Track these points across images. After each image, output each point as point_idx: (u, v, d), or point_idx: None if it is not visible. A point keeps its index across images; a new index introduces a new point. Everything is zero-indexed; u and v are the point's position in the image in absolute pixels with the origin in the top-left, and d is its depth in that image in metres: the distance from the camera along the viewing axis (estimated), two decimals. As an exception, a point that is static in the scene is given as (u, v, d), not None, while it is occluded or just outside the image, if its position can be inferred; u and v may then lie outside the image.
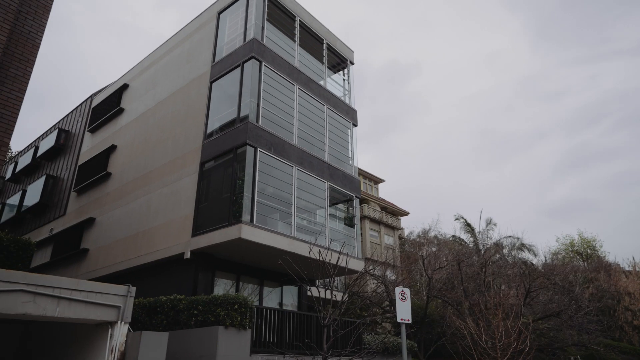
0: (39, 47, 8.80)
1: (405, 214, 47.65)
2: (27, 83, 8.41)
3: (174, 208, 13.40)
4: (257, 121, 12.81)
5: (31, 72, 8.54)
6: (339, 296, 19.99)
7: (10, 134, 7.88)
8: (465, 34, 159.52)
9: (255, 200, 11.84)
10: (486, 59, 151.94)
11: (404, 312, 8.15)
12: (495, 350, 9.78)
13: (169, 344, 9.82)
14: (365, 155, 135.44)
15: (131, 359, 8.20)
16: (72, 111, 23.41)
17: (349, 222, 15.56)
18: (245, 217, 11.44)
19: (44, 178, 21.44)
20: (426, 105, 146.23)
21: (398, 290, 8.24)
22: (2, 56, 7.92)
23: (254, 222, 11.59)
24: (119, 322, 8.32)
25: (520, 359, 9.81)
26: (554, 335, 18.41)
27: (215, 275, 12.62)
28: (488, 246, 31.11)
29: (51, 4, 9.24)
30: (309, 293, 16.05)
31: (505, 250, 33.23)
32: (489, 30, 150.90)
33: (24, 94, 8.23)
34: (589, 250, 48.80)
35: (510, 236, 32.75)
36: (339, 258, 10.85)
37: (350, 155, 16.47)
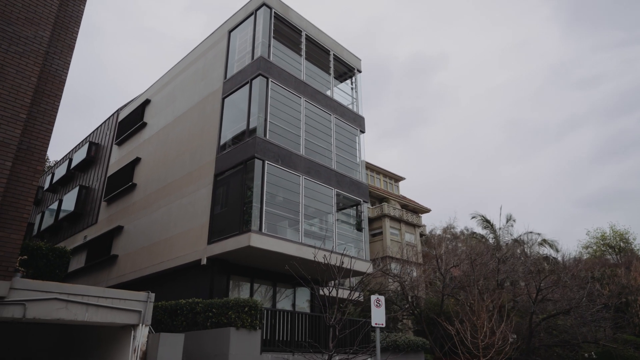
0: (64, 83, 9.94)
1: (427, 211, 47.79)
2: (55, 116, 9.55)
3: (192, 218, 14.50)
4: (265, 135, 13.71)
5: (58, 106, 9.69)
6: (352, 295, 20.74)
7: (43, 163, 9.03)
8: (491, 22, 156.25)
9: (264, 210, 12.76)
10: (514, 47, 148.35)
11: (378, 317, 8.92)
12: (478, 349, 10.35)
13: (187, 343, 10.88)
14: (391, 150, 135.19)
15: (152, 357, 9.27)
16: (100, 125, 25.02)
17: (357, 226, 16.29)
18: (254, 226, 12.37)
19: (77, 188, 23.11)
20: (453, 97, 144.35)
21: (373, 297, 8.98)
22: (33, 94, 9.06)
23: (263, 230, 12.51)
24: (141, 324, 9.40)
25: (500, 358, 10.33)
26: (566, 332, 18.58)
27: (230, 280, 13.63)
28: (507, 243, 31.15)
29: (75, 43, 10.38)
30: (321, 293, 16.90)
31: (526, 247, 33.15)
32: (517, 18, 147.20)
33: (52, 126, 9.37)
34: (621, 244, 47.61)
35: (530, 232, 32.68)
36: (341, 260, 11.66)
37: (357, 162, 17.17)
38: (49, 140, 9.16)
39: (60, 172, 26.25)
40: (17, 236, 8.01)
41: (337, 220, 15.44)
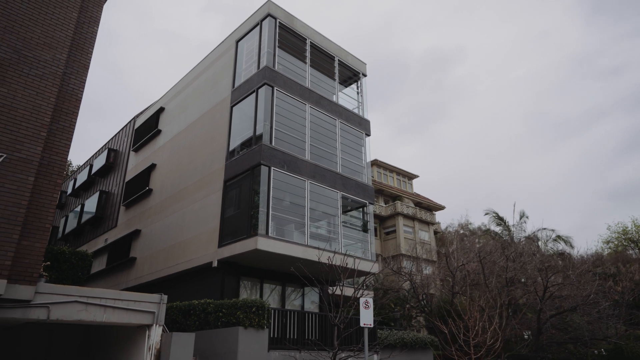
0: (81, 100, 10.69)
1: (441, 208, 47.83)
2: (73, 132, 10.30)
3: (203, 222, 15.21)
4: (271, 142, 14.30)
5: (75, 122, 10.44)
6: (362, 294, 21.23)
7: (62, 176, 9.79)
8: (509, 14, 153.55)
9: (270, 214, 13.36)
10: (535, 38, 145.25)
11: (366, 318, 9.44)
12: (469, 346, 10.72)
13: (199, 341, 11.58)
14: (409, 146, 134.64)
15: (165, 355, 9.97)
16: (118, 132, 26.06)
17: (363, 227, 16.77)
18: (261, 229, 12.99)
19: (98, 193, 24.19)
20: (472, 91, 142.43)
21: (362, 300, 9.48)
22: (52, 113, 9.82)
23: (269, 234, 13.11)
24: (154, 325, 10.12)
25: (490, 356, 10.68)
26: (575, 329, 18.69)
27: (241, 281, 14.29)
28: (520, 239, 31.13)
29: (89, 62, 11.13)
30: (331, 292, 17.44)
31: (540, 243, 33.06)
32: (537, 9, 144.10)
33: (70, 142, 10.12)
34: (644, 238, 46.76)
35: (544, 228, 32.56)
36: (345, 262, 12.18)
37: (363, 164, 17.63)
38: (67, 154, 9.92)
39: (82, 177, 27.44)
40: (41, 244, 8.77)
41: (343, 222, 15.95)
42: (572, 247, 31.72)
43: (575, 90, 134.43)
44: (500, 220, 33.90)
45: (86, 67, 11.04)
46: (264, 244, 12.82)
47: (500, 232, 35.61)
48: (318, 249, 13.37)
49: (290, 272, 15.30)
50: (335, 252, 12.82)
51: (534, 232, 32.30)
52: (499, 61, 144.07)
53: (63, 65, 10.14)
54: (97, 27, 11.46)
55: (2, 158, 8.53)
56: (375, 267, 15.98)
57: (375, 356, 14.33)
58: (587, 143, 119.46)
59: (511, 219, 39.61)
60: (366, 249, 16.26)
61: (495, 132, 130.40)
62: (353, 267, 12.61)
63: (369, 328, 14.00)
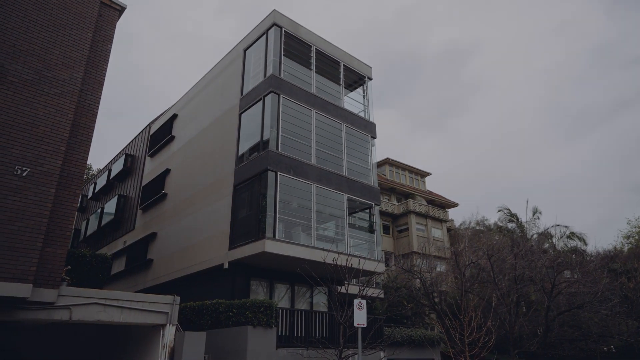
0: (97, 115, 11.42)
1: (454, 205, 47.80)
2: (90, 144, 11.03)
3: (215, 225, 15.89)
4: (277, 148, 14.86)
5: (92, 135, 11.17)
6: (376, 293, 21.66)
7: (81, 187, 10.54)
8: (528, 5, 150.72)
9: (277, 218, 13.93)
10: (554, 30, 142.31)
11: (360, 318, 9.93)
12: (463, 344, 11.09)
13: (211, 340, 12.24)
14: (425, 141, 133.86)
15: (178, 352, 10.65)
16: (135, 137, 27.02)
17: (370, 227, 17.22)
18: (269, 233, 13.57)
19: (116, 197, 25.18)
20: (490, 84, 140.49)
21: (356, 301, 9.95)
22: (71, 128, 10.56)
23: (277, 237, 13.69)
24: (168, 324, 10.80)
25: (483, 353, 11.03)
26: (581, 327, 18.80)
27: (251, 281, 14.91)
28: (532, 236, 31.10)
29: (104, 78, 11.85)
30: (340, 291, 17.95)
31: (554, 239, 32.93)
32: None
33: (88, 154, 10.86)
34: (666, 233, 45.97)
35: (558, 225, 32.42)
36: (349, 262, 12.69)
37: (369, 166, 18.06)
38: (85, 166, 10.66)
39: (101, 182, 28.54)
40: (62, 251, 9.50)
41: (350, 223, 16.43)
42: (585, 243, 31.50)
43: (597, 81, 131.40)
44: (512, 217, 33.85)
45: (101, 84, 11.75)
46: (271, 246, 13.40)
47: (513, 228, 35.57)
48: (324, 250, 13.88)
49: (298, 273, 15.88)
50: (339, 253, 13.33)
51: (547, 229, 32.22)
52: (518, 53, 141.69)
53: (80, 82, 10.86)
54: (111, 45, 12.16)
55: (25, 172, 9.28)
56: (381, 267, 16.43)
57: (381, 353, 14.82)
58: (611, 135, 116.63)
59: (525, 215, 39.47)
60: (372, 249, 16.71)
61: (514, 126, 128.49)
62: (359, 268, 13.12)
63: (374, 326, 14.52)
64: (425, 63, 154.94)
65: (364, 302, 10.05)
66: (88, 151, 10.98)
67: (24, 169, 9.24)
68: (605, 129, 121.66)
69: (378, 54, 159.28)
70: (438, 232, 41.67)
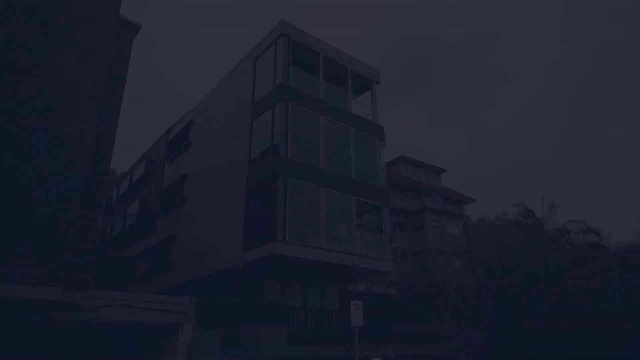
0: (116, 130, 12.31)
1: (471, 201, 47.69)
2: (110, 159, 11.92)
3: (229, 228, 16.70)
4: (287, 154, 15.54)
5: (112, 149, 12.06)
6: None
7: (102, 198, 11.45)
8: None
9: (287, 221, 14.63)
10: (578, 14, 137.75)
11: (356, 319, 10.52)
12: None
13: (226, 337, 13.04)
14: (445, 134, 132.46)
15: (195, 349, 11.49)
16: (155, 143, 28.15)
17: (379, 228, 17.76)
18: (279, 236, 14.28)
19: (138, 201, 26.36)
20: (512, 75, 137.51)
21: (353, 302, 10.54)
22: (93, 145, 11.45)
23: (287, 239, 14.39)
24: (186, 323, 11.64)
25: (478, 350, 11.47)
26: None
27: (264, 282, 15.67)
28: (548, 232, 30.96)
29: (122, 98, 12.71)
30: (351, 289, 18.57)
31: (571, 234, 32.65)
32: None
33: (109, 167, 11.77)
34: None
35: (574, 220, 32.14)
36: (354, 262, 13.30)
37: (378, 169, 18.57)
38: (106, 178, 11.56)
39: (124, 186, 29.85)
40: (88, 257, 10.41)
41: (358, 224, 17.01)
42: (601, 238, 31.12)
43: (627, 65, 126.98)
44: (528, 212, 33.67)
45: (119, 102, 12.64)
46: (282, 249, 14.11)
47: (530, 223, 35.37)
48: (333, 251, 14.52)
49: (310, 273, 16.56)
50: (347, 254, 13.95)
51: (564, 224, 31.98)
52: (540, 43, 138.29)
53: (100, 102, 11.72)
54: (127, 67, 13.01)
55: (54, 186, 10.20)
56: (390, 266, 16.96)
57: (390, 349, 15.39)
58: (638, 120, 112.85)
59: (542, 211, 39.02)
60: (381, 249, 17.25)
61: (539, 117, 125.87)
62: (367, 267, 13.72)
63: (382, 323, 15.12)
64: (444, 55, 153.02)
65: (360, 303, 10.65)
66: (109, 164, 11.90)
67: (53, 183, 10.14)
68: (633, 118, 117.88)
69: (395, 45, 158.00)
70: (454, 229, 41.75)
